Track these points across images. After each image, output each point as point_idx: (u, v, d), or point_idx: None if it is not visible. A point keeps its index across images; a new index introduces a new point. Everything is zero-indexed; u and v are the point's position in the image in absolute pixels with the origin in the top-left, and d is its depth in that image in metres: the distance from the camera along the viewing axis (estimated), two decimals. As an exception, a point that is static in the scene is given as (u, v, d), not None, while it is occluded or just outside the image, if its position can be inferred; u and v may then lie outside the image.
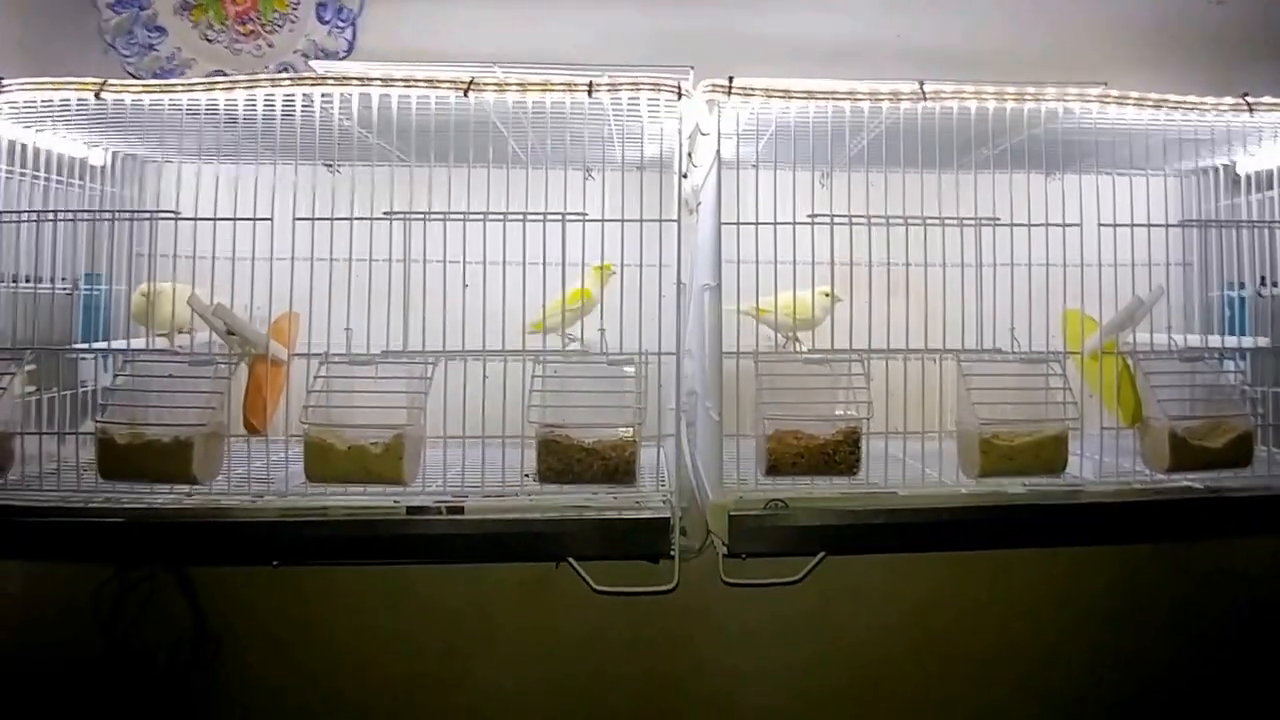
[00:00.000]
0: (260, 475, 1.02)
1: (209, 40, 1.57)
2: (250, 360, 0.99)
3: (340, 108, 1.02)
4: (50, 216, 1.07)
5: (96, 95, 1.00)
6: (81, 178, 1.30)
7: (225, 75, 1.52)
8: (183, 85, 1.02)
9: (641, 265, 1.20)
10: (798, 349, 1.21)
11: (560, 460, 0.94)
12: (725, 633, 1.45)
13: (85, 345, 1.12)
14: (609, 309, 1.24)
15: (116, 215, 1.07)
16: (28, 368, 1.03)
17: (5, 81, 1.01)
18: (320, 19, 1.56)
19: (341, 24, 1.55)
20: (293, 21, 1.57)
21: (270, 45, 1.57)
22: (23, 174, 1.15)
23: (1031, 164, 1.24)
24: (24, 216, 1.08)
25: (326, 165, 1.36)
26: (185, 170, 1.39)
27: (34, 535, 0.96)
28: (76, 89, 1.01)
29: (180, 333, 1.20)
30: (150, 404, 0.96)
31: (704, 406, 1.08)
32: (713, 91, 1.00)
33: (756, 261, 1.10)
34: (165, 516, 0.95)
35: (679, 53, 1.45)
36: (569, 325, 1.26)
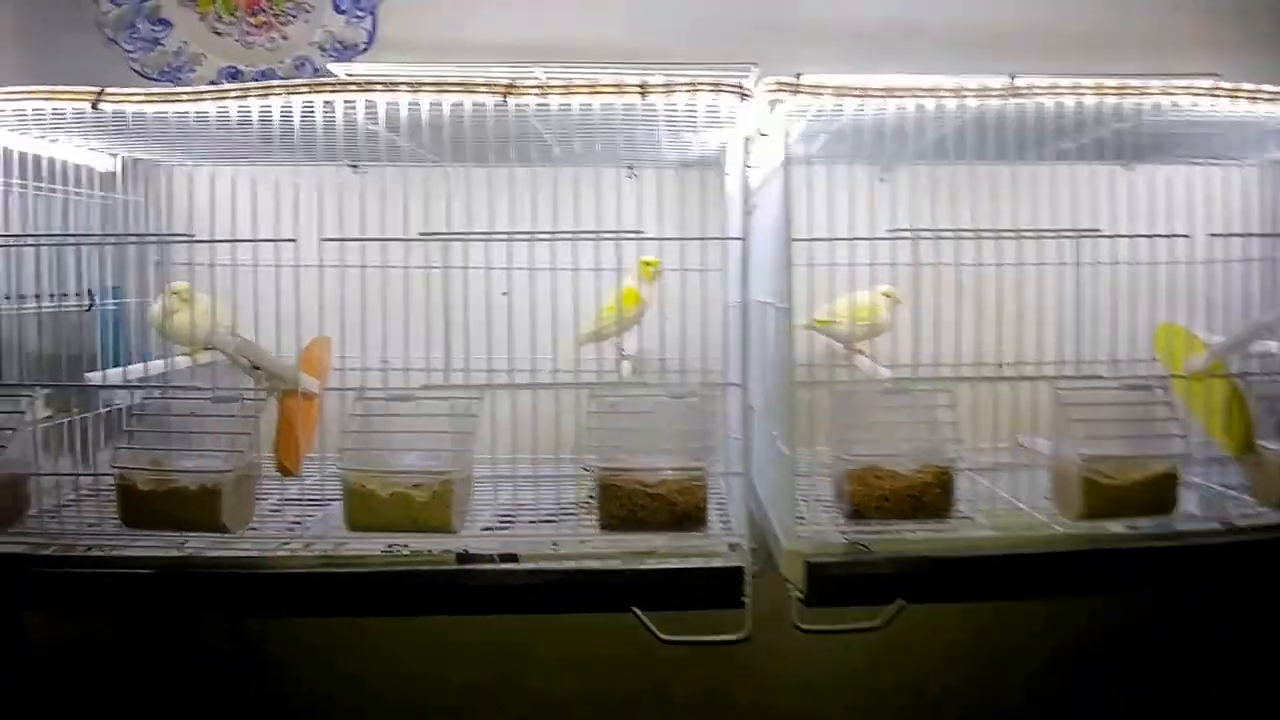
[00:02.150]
0: (295, 520, 0.94)
1: (218, 33, 1.47)
2: (279, 395, 0.91)
3: (366, 112, 0.93)
4: (58, 240, 0.98)
5: (93, 105, 0.91)
6: (89, 185, 1.22)
7: (238, 73, 1.43)
8: (189, 95, 0.92)
9: (683, 269, 1.13)
10: (869, 360, 1.11)
11: (622, 506, 0.86)
12: (796, 680, 1.38)
13: (100, 375, 1.03)
14: (650, 318, 1.17)
15: (122, 240, 0.97)
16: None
17: (-1, 90, 0.92)
18: (337, 8, 1.45)
19: (360, 13, 1.45)
20: (307, 11, 1.47)
21: (284, 38, 1.46)
22: (22, 185, 1.06)
23: (1109, 155, 1.15)
24: (34, 239, 0.99)
25: (351, 166, 1.29)
26: (199, 173, 1.30)
27: (57, 586, 0.89)
28: (70, 98, 0.91)
29: (204, 350, 1.12)
30: (174, 444, 0.88)
31: (769, 437, 0.98)
32: (778, 90, 0.90)
33: (810, 265, 1.01)
34: (198, 566, 0.88)
35: (716, 39, 1.36)
36: (621, 333, 1.17)
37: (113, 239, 1.01)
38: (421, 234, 0.93)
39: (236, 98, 0.90)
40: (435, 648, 1.35)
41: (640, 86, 0.90)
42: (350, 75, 0.93)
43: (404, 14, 1.44)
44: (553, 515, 1.04)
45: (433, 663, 1.36)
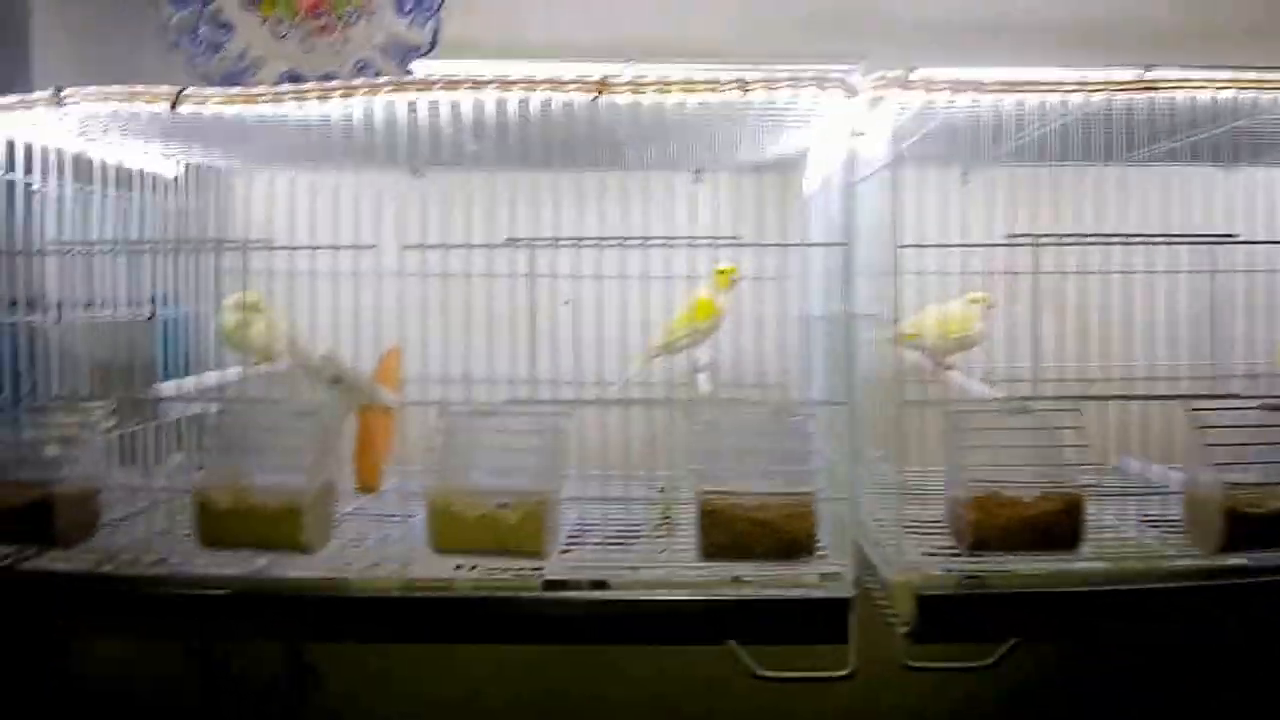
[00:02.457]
0: (374, 539, 0.89)
1: (279, 37, 1.43)
2: (358, 409, 0.86)
3: (439, 113, 0.88)
4: (132, 247, 0.95)
5: (172, 107, 0.87)
6: (153, 190, 1.19)
7: (299, 77, 1.40)
8: (269, 95, 0.88)
9: (759, 279, 1.08)
10: (962, 376, 1.05)
11: (726, 534, 0.80)
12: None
13: (172, 386, 1.00)
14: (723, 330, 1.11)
15: (200, 245, 0.93)
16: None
17: (65, 93, 0.89)
18: (400, 10, 1.41)
19: (424, 15, 1.40)
20: (369, 14, 1.43)
21: (345, 41, 1.43)
22: (89, 190, 1.03)
23: (1212, 156, 1.08)
24: (106, 246, 0.96)
25: (413, 171, 1.25)
26: (258, 178, 1.27)
27: (126, 610, 0.85)
28: (149, 100, 0.88)
29: (270, 361, 1.09)
30: (251, 460, 0.83)
31: (869, 460, 0.92)
32: (887, 86, 0.84)
33: (919, 274, 0.95)
34: (276, 589, 0.83)
35: (788, 35, 1.30)
36: (695, 345, 1.11)
37: (190, 244, 0.96)
38: (508, 239, 0.88)
39: (319, 98, 0.86)
40: (506, 671, 1.29)
41: (740, 83, 0.84)
42: (431, 74, 0.88)
43: (466, 15, 1.40)
44: (623, 536, 0.99)
45: (503, 686, 1.31)
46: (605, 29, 1.33)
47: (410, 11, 1.41)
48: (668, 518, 1.09)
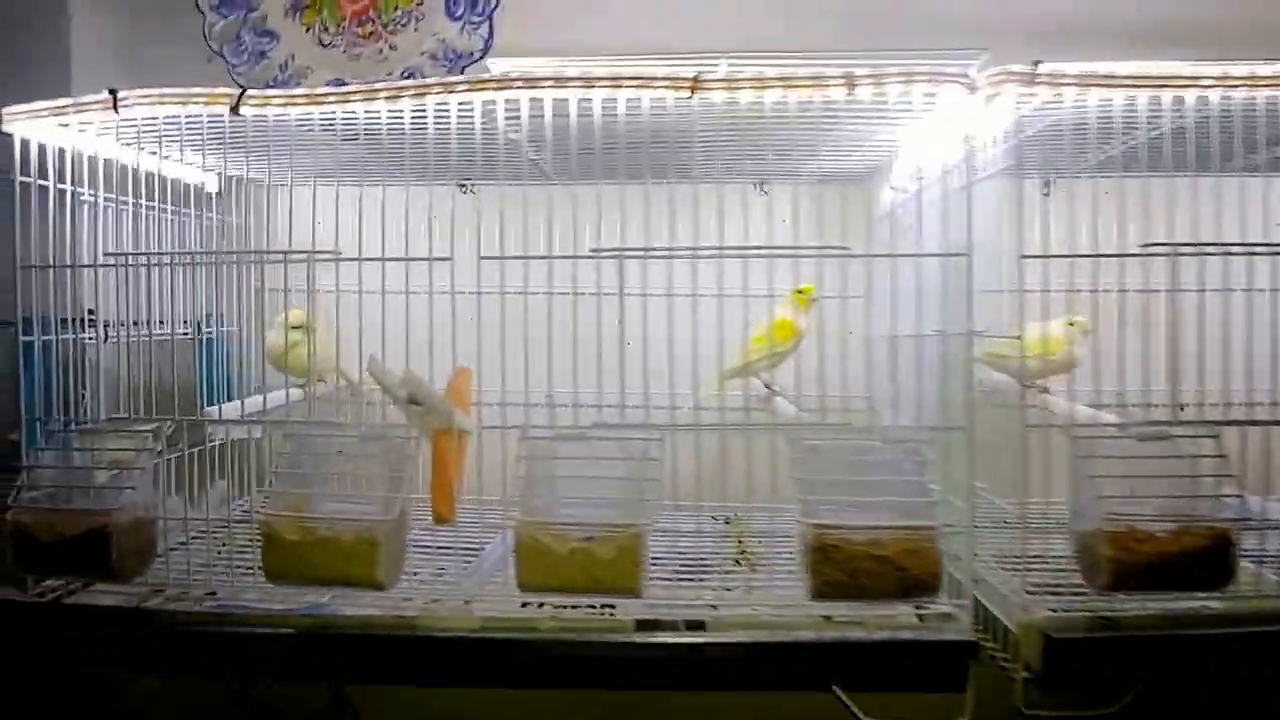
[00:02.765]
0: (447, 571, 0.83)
1: (324, 45, 1.38)
2: (433, 434, 0.79)
3: (503, 116, 0.82)
4: (194, 259, 0.89)
5: (233, 110, 0.82)
6: (196, 205, 1.14)
7: (342, 83, 1.35)
8: (336, 96, 0.83)
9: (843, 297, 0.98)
10: (1060, 400, 0.97)
11: (842, 570, 0.72)
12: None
13: (236, 409, 0.93)
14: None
15: (262, 257, 0.86)
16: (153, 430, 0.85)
17: (121, 95, 0.83)
18: (451, 14, 1.35)
19: (476, 19, 1.35)
20: (418, 19, 1.37)
21: (393, 48, 1.37)
22: (136, 204, 0.97)
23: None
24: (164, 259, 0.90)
25: (460, 185, 1.18)
26: (299, 193, 1.21)
27: (185, 649, 0.79)
28: (208, 102, 0.82)
29: (320, 381, 1.02)
30: (320, 488, 0.77)
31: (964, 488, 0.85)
32: (1006, 80, 0.77)
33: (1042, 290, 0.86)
34: (345, 628, 0.76)
35: (859, 35, 1.24)
36: (771, 368, 1.04)
37: (252, 257, 0.90)
38: (593, 250, 0.81)
39: (388, 97, 0.80)
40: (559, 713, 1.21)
41: (846, 78, 0.78)
42: (509, 71, 0.81)
43: (518, 19, 1.34)
44: (696, 570, 0.92)
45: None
46: (668, 33, 1.28)
47: (462, 16, 1.35)
48: (745, 551, 1.02)
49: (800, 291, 1.03)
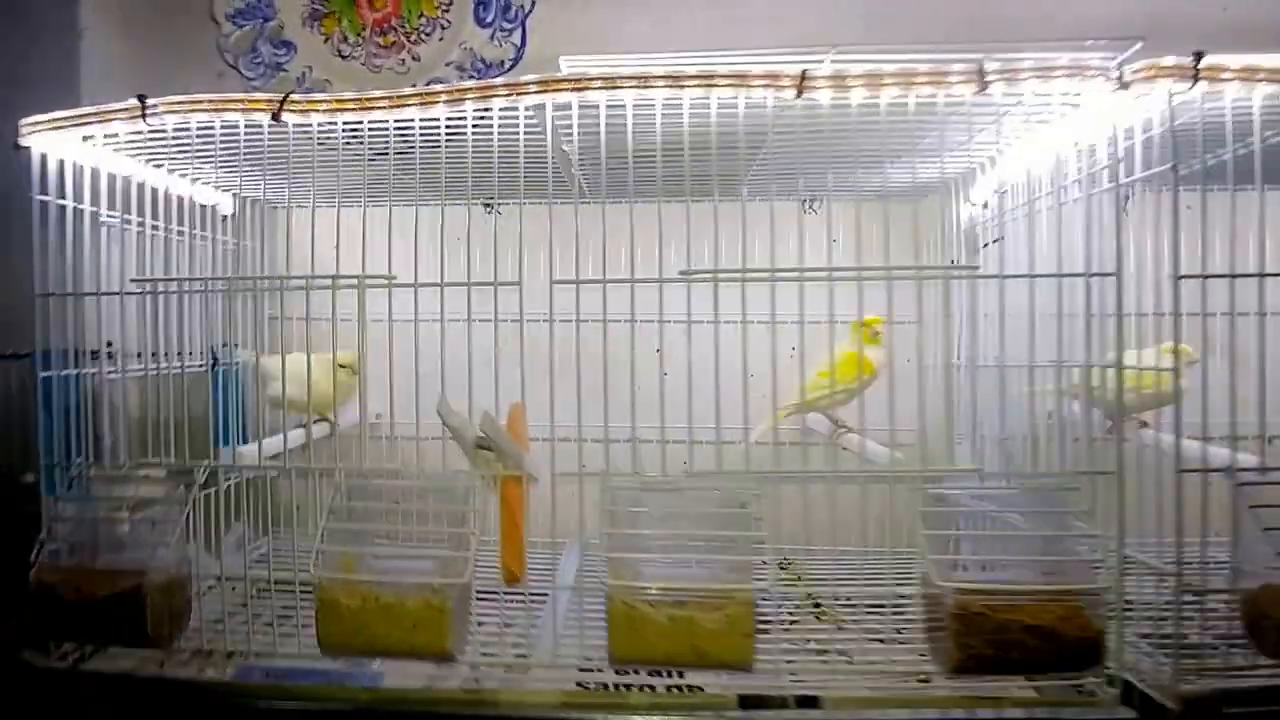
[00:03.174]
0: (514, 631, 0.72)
1: (342, 56, 1.29)
2: (501, 481, 0.69)
3: (558, 122, 0.72)
4: (229, 284, 0.79)
5: (275, 116, 0.72)
6: (223, 229, 1.04)
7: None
8: (389, 99, 0.73)
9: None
10: (1157, 434, 0.87)
11: (989, 641, 0.62)
12: None
13: (260, 449, 0.82)
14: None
15: (312, 282, 0.75)
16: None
17: (151, 102, 0.73)
18: (480, 21, 1.26)
19: (508, 25, 1.26)
20: (443, 27, 1.28)
21: (416, 59, 1.28)
22: (158, 228, 0.87)
23: None
24: (199, 285, 0.80)
25: (485, 205, 1.09)
26: (331, 215, 1.11)
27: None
28: (247, 108, 0.72)
29: (321, 419, 0.92)
30: (379, 547, 0.66)
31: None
32: (1161, 75, 0.68)
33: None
34: (412, 704, 0.66)
35: (939, 32, 1.15)
36: (841, 405, 0.94)
37: (297, 281, 0.79)
38: (682, 273, 0.71)
39: (450, 101, 0.71)
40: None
41: (976, 74, 0.69)
42: (583, 70, 0.72)
43: (551, 26, 1.25)
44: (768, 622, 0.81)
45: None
46: (723, 39, 1.19)
47: (492, 23, 1.26)
48: (817, 603, 0.91)
49: (867, 324, 0.92)
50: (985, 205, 1.01)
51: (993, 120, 0.77)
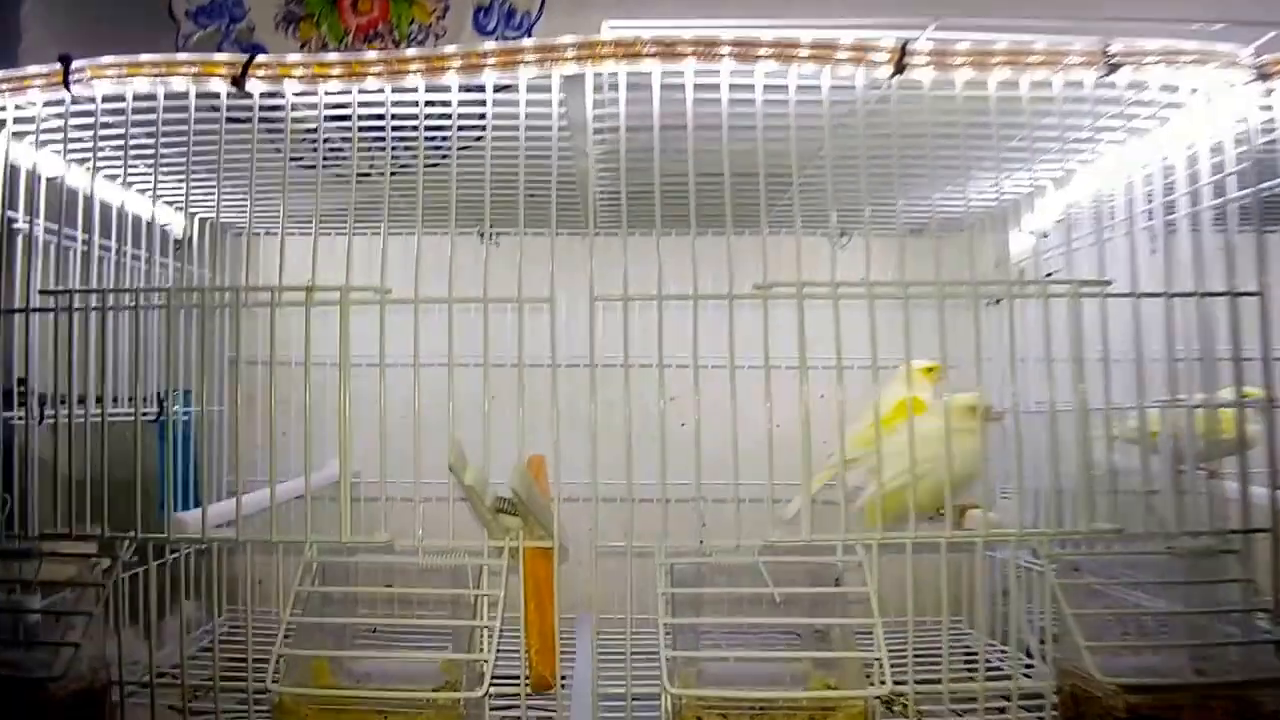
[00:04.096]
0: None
1: (321, 65, 1.15)
2: (527, 556, 0.53)
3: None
4: (168, 299, 0.63)
5: (237, 83, 0.57)
6: (148, 249, 0.88)
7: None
8: (384, 65, 0.59)
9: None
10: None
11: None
12: None
13: (213, 513, 0.64)
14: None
15: (279, 296, 0.59)
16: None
17: (75, 67, 0.58)
18: (481, 28, 1.13)
19: (513, 33, 1.13)
20: (438, 35, 1.15)
21: (405, 69, 1.14)
22: (85, 242, 0.71)
23: None
24: (128, 299, 0.63)
25: (482, 235, 0.94)
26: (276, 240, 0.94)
27: None
28: (202, 71, 0.58)
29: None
30: (354, 642, 0.50)
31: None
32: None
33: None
34: None
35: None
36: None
37: (264, 294, 0.61)
38: (756, 286, 0.57)
39: (465, 68, 0.57)
40: None
41: (1099, 56, 0.56)
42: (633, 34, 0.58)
43: (561, 33, 1.12)
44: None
45: None
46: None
47: (495, 30, 1.13)
48: (892, 693, 0.75)
49: (928, 369, 0.79)
50: (1045, 235, 0.89)
51: (1089, 118, 0.64)
